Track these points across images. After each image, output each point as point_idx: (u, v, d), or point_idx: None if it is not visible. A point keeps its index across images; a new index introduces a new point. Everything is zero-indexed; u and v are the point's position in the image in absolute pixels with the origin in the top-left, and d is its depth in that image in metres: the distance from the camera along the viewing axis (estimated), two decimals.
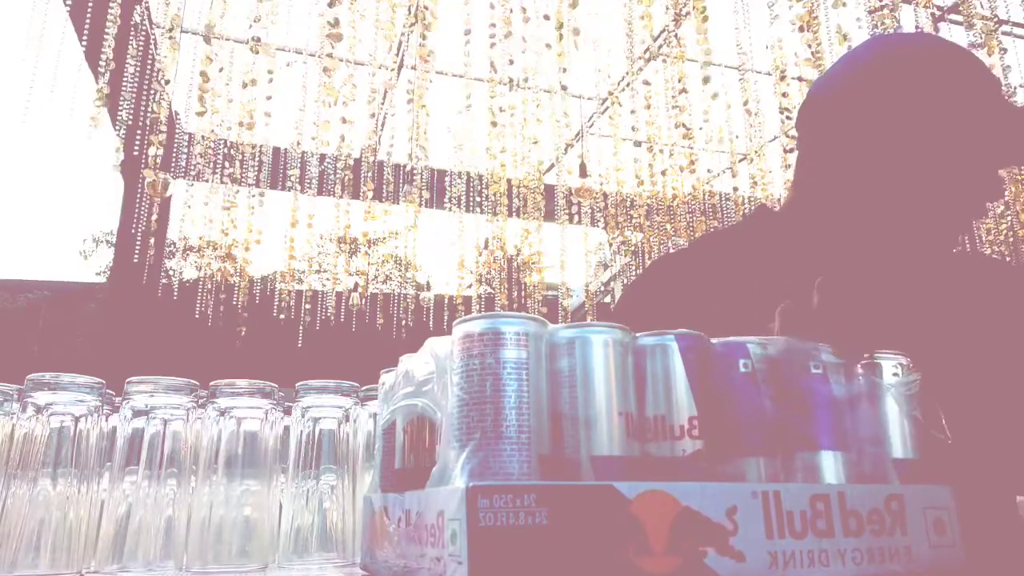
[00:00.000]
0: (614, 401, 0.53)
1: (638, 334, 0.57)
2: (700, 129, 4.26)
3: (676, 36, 3.77)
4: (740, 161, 5.19)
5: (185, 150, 4.50)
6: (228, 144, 4.37)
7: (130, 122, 3.35)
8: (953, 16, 3.87)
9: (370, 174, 4.54)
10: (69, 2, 2.86)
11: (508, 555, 0.43)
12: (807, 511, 0.51)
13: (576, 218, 5.17)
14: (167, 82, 3.68)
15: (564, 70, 3.49)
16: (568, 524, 0.44)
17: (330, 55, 3.30)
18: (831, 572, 0.50)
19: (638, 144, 4.70)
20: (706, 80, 3.71)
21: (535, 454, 0.50)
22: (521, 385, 0.51)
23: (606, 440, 0.52)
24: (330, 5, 3.12)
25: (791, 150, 4.15)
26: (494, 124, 4.07)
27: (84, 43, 3.12)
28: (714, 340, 0.59)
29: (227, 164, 4.42)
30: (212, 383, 0.78)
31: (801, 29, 3.18)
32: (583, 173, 4.32)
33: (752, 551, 0.48)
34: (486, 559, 0.42)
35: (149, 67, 3.56)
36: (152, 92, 3.48)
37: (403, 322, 5.53)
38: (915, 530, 0.55)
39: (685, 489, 0.48)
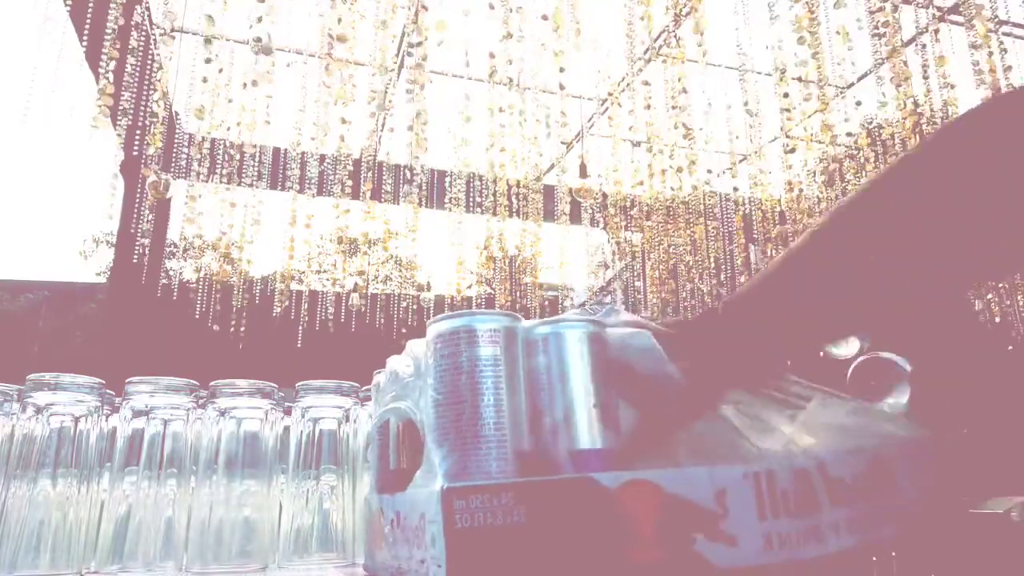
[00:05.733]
0: (591, 393, 0.52)
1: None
2: (700, 129, 4.26)
3: (676, 37, 3.77)
4: (740, 161, 5.19)
5: (185, 150, 4.49)
6: (228, 144, 4.37)
7: (130, 122, 3.35)
8: (953, 16, 3.87)
9: (370, 174, 4.54)
10: (69, 2, 2.86)
11: (487, 556, 0.42)
12: (794, 488, 0.50)
13: (570, 217, 5.16)
14: (164, 82, 3.68)
15: (562, 70, 3.48)
16: (548, 520, 0.44)
17: (330, 55, 3.30)
18: (827, 547, 0.50)
19: (637, 144, 4.71)
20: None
21: (513, 452, 0.49)
22: (496, 383, 0.50)
23: (586, 433, 0.51)
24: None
25: (791, 150, 4.15)
26: (502, 126, 4.08)
27: (84, 43, 3.12)
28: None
29: (227, 164, 4.42)
30: (212, 383, 0.78)
31: (801, 40, 3.18)
32: (583, 173, 4.32)
33: (744, 534, 0.47)
34: (464, 561, 0.42)
35: (149, 67, 3.55)
36: (152, 92, 3.48)
37: (403, 322, 5.53)
38: (904, 488, 0.54)
39: (669, 476, 0.47)
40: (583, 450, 0.51)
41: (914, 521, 0.54)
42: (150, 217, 4.16)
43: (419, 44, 3.05)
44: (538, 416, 0.52)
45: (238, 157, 4.39)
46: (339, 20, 3.17)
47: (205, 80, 3.56)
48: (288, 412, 0.82)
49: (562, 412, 0.51)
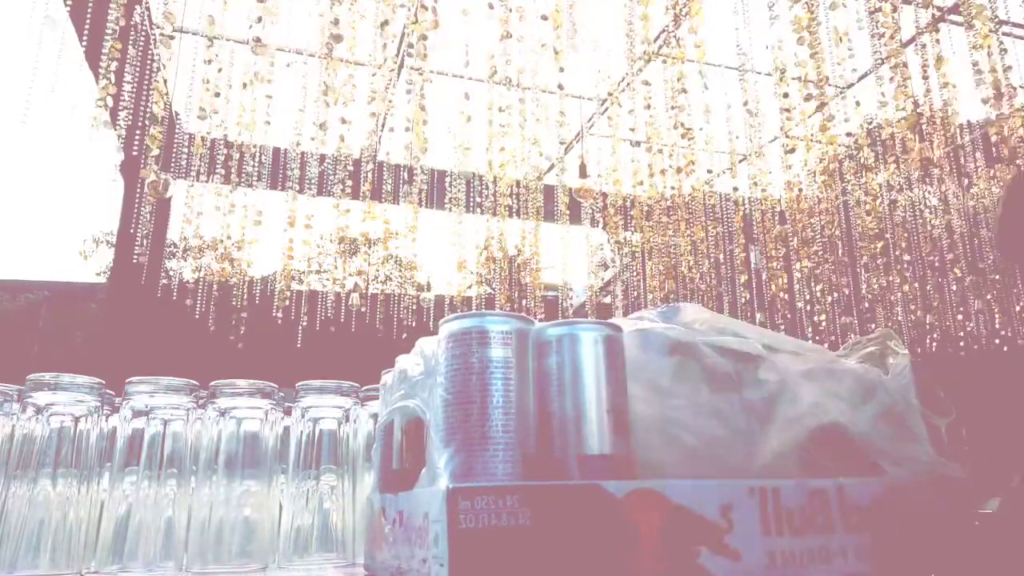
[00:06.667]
0: (604, 398, 0.51)
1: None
2: (700, 130, 4.25)
3: (676, 38, 3.76)
4: (740, 161, 5.19)
5: (185, 150, 4.49)
6: (228, 144, 4.37)
7: (130, 122, 3.35)
8: (953, 16, 3.86)
9: (370, 174, 4.54)
10: (69, 2, 2.85)
11: (490, 557, 0.42)
12: (805, 507, 0.50)
13: (569, 217, 5.16)
14: (165, 81, 3.68)
15: (562, 70, 3.48)
16: (552, 525, 0.43)
17: (328, 55, 3.29)
18: (832, 569, 0.49)
19: (636, 144, 4.71)
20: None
21: (520, 454, 0.49)
22: (506, 384, 0.50)
23: (596, 439, 0.50)
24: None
25: (791, 150, 4.15)
26: (502, 125, 4.08)
27: (84, 43, 3.12)
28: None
29: (227, 164, 4.42)
30: (212, 383, 0.78)
31: (801, 41, 3.18)
32: (583, 173, 4.31)
33: (749, 549, 0.47)
34: (467, 561, 0.42)
35: (149, 67, 3.55)
36: (152, 92, 3.48)
37: (403, 322, 5.53)
38: (917, 522, 0.53)
39: (676, 487, 0.47)
40: (592, 455, 0.50)
41: (926, 555, 0.53)
42: (151, 216, 4.16)
43: (422, 39, 3.05)
44: (547, 419, 0.51)
45: (238, 157, 4.39)
46: (335, 20, 3.16)
47: (205, 81, 3.55)
48: (288, 412, 0.82)
49: (573, 416, 0.51)
